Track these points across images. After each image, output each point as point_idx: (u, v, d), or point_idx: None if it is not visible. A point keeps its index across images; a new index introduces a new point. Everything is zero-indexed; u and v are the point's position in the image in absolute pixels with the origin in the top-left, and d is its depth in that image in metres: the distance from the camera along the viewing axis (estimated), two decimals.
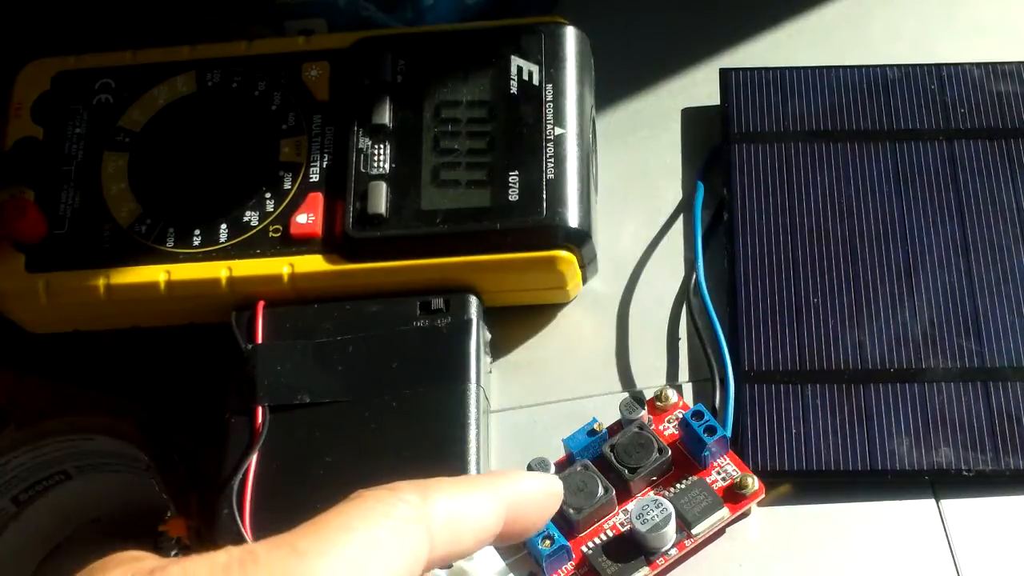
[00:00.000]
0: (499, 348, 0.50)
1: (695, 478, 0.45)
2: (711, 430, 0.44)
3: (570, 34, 0.52)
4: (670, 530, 0.43)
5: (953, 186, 0.51)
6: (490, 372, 0.49)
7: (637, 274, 0.52)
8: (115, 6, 0.58)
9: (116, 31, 0.57)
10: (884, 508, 0.45)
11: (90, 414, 0.52)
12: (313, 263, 0.48)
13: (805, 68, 0.55)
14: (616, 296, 0.51)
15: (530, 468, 0.45)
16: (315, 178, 0.50)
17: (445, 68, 0.51)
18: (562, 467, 0.45)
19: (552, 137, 0.49)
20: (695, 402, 0.47)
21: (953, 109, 0.53)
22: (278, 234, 0.49)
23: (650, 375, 0.49)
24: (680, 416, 0.46)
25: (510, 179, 0.49)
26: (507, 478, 0.35)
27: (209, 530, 0.45)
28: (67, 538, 0.55)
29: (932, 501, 0.45)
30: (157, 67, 0.53)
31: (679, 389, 0.48)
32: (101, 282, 0.49)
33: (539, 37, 0.51)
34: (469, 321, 0.47)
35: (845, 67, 0.55)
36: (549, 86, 0.50)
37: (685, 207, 0.53)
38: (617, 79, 0.56)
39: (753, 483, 0.44)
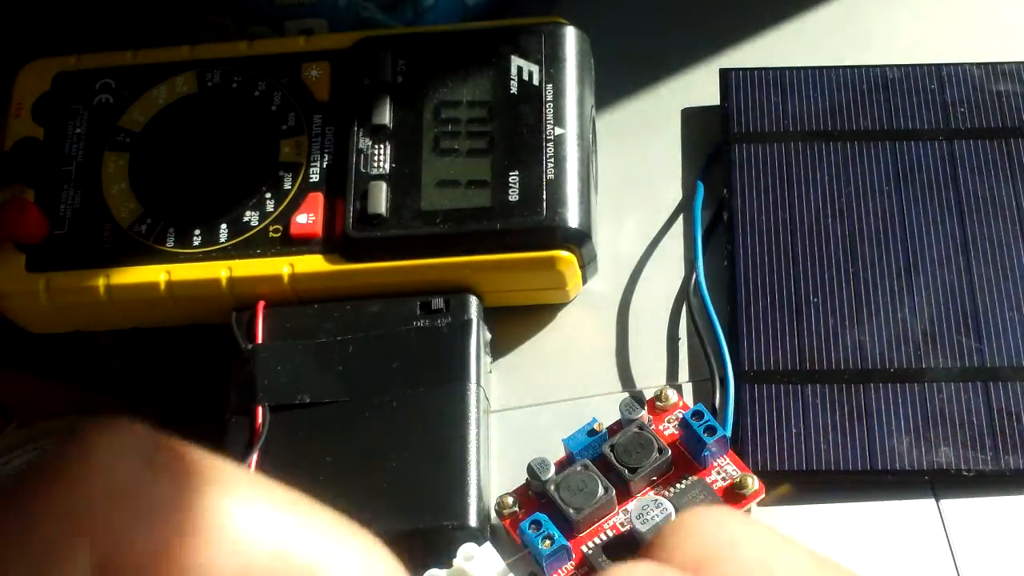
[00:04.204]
0: (499, 348, 0.50)
1: (695, 478, 0.45)
2: (711, 430, 0.44)
3: (570, 34, 0.52)
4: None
5: (953, 185, 0.51)
6: (490, 372, 0.49)
7: (637, 274, 0.52)
8: (115, 6, 0.58)
9: (116, 31, 0.57)
10: (884, 508, 0.45)
11: (90, 414, 0.52)
12: (313, 263, 0.48)
13: (805, 68, 0.55)
14: (616, 296, 0.51)
15: (530, 468, 0.45)
16: (315, 178, 0.50)
17: (445, 68, 0.51)
18: (562, 467, 0.45)
19: (552, 137, 0.49)
20: (695, 402, 0.47)
21: (953, 109, 0.53)
22: (278, 234, 0.49)
23: (650, 375, 0.49)
24: (680, 416, 0.46)
25: (510, 179, 0.49)
26: None
27: None
28: None
29: (932, 501, 0.45)
30: (157, 67, 0.53)
31: (679, 389, 0.48)
32: (101, 282, 0.49)
33: (539, 37, 0.51)
34: (469, 321, 0.47)
35: (845, 67, 0.55)
36: (549, 86, 0.50)
37: (685, 207, 0.53)
38: (617, 79, 0.56)
39: (753, 483, 0.44)
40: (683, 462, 0.45)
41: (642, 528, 0.43)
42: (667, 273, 0.52)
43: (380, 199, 0.49)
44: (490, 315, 0.49)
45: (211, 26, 0.56)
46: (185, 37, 0.54)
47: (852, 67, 0.55)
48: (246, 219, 0.49)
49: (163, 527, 0.21)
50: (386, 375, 0.47)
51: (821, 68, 0.55)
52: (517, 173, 0.49)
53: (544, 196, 0.48)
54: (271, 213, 0.49)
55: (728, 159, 0.53)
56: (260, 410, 0.46)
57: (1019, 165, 0.51)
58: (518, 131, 0.50)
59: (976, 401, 0.46)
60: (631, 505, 0.44)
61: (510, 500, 0.45)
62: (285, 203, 0.49)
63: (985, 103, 0.53)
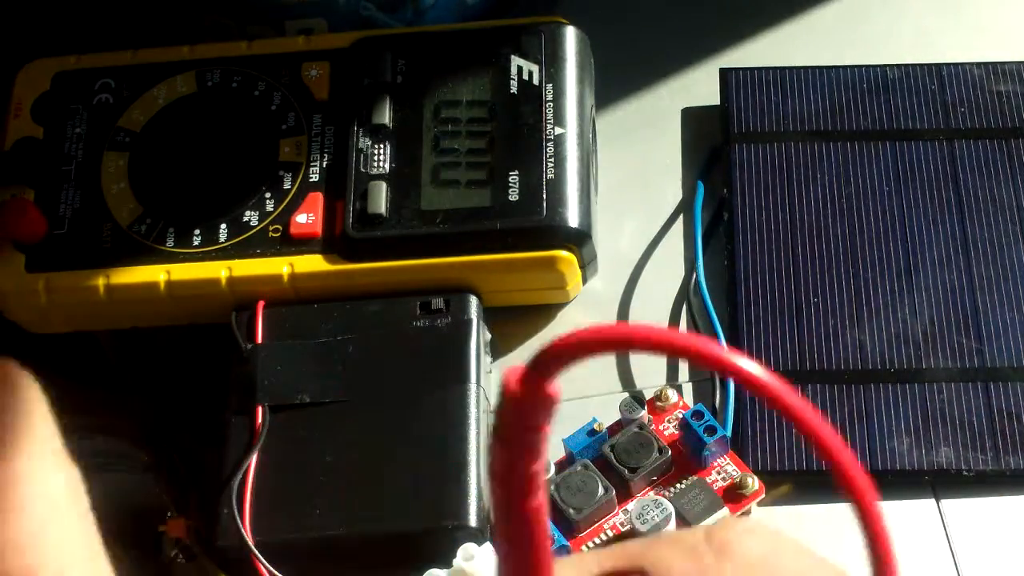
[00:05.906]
0: (499, 348, 0.50)
1: (695, 478, 0.45)
2: (711, 430, 0.44)
3: (570, 34, 0.52)
4: (670, 530, 0.43)
5: (953, 185, 0.51)
6: (490, 372, 0.49)
7: (637, 274, 0.52)
8: (115, 6, 0.58)
9: (116, 31, 0.57)
10: (884, 508, 0.45)
11: (89, 413, 0.52)
12: (313, 263, 0.48)
13: (805, 68, 0.55)
14: (616, 296, 0.51)
15: None
16: (315, 178, 0.50)
17: (445, 68, 0.51)
18: (562, 467, 0.45)
19: (552, 137, 0.49)
20: (695, 402, 0.47)
21: (953, 108, 0.53)
22: (278, 234, 0.49)
23: (650, 375, 0.49)
24: (680, 416, 0.46)
25: (510, 179, 0.49)
26: None
27: (209, 530, 0.45)
28: None
29: (932, 501, 0.45)
30: (157, 67, 0.53)
31: (679, 389, 0.48)
32: (101, 282, 0.49)
33: (539, 37, 0.51)
34: (469, 321, 0.47)
35: (845, 67, 0.55)
36: (549, 86, 0.50)
37: (685, 207, 0.53)
38: (617, 79, 0.56)
39: (753, 483, 0.44)
40: (683, 462, 0.45)
41: (642, 528, 0.43)
42: (667, 273, 0.52)
43: (380, 199, 0.49)
44: (490, 315, 0.49)
45: (211, 26, 0.56)
46: (185, 37, 0.54)
47: (852, 67, 0.55)
48: (246, 219, 0.49)
49: None
50: (386, 375, 0.47)
51: (821, 68, 0.55)
52: (517, 173, 0.49)
53: (544, 196, 0.48)
54: (271, 213, 0.49)
55: (728, 159, 0.53)
56: (260, 410, 0.46)
57: (1019, 165, 0.51)
58: (518, 131, 0.50)
59: (976, 401, 0.46)
60: (631, 505, 0.44)
61: None
62: (285, 203, 0.49)
63: (985, 103, 0.53)
